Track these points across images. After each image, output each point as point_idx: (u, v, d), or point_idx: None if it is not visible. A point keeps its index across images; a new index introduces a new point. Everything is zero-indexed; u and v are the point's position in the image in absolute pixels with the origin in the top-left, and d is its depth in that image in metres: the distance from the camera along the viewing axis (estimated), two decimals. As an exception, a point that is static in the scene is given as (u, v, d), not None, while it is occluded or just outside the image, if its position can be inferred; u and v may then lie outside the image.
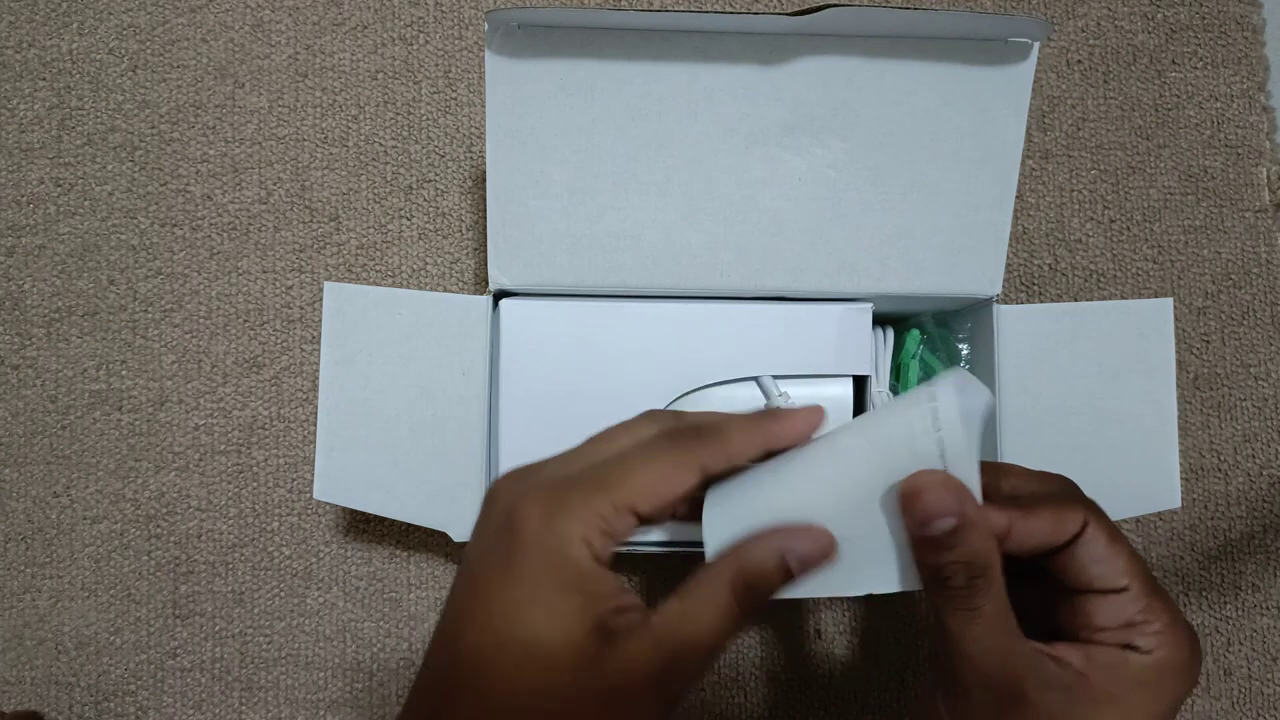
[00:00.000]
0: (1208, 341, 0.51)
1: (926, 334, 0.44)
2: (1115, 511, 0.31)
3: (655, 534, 0.40)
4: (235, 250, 0.51)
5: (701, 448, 0.27)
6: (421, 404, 0.40)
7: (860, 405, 0.42)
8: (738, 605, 0.26)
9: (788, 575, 0.26)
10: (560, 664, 0.24)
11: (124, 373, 0.50)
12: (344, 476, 0.40)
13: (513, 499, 0.26)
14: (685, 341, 0.40)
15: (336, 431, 0.40)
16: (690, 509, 0.28)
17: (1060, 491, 0.30)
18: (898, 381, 0.44)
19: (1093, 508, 0.29)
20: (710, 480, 0.28)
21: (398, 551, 0.49)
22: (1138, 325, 0.40)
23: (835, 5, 0.34)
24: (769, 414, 0.29)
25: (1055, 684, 0.27)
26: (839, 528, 0.27)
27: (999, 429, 0.40)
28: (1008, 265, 0.41)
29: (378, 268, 0.51)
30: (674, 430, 0.27)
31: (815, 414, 0.29)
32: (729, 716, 0.48)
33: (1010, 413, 0.40)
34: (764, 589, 0.26)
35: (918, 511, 0.26)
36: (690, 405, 0.40)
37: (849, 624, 0.49)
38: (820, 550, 0.27)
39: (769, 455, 0.29)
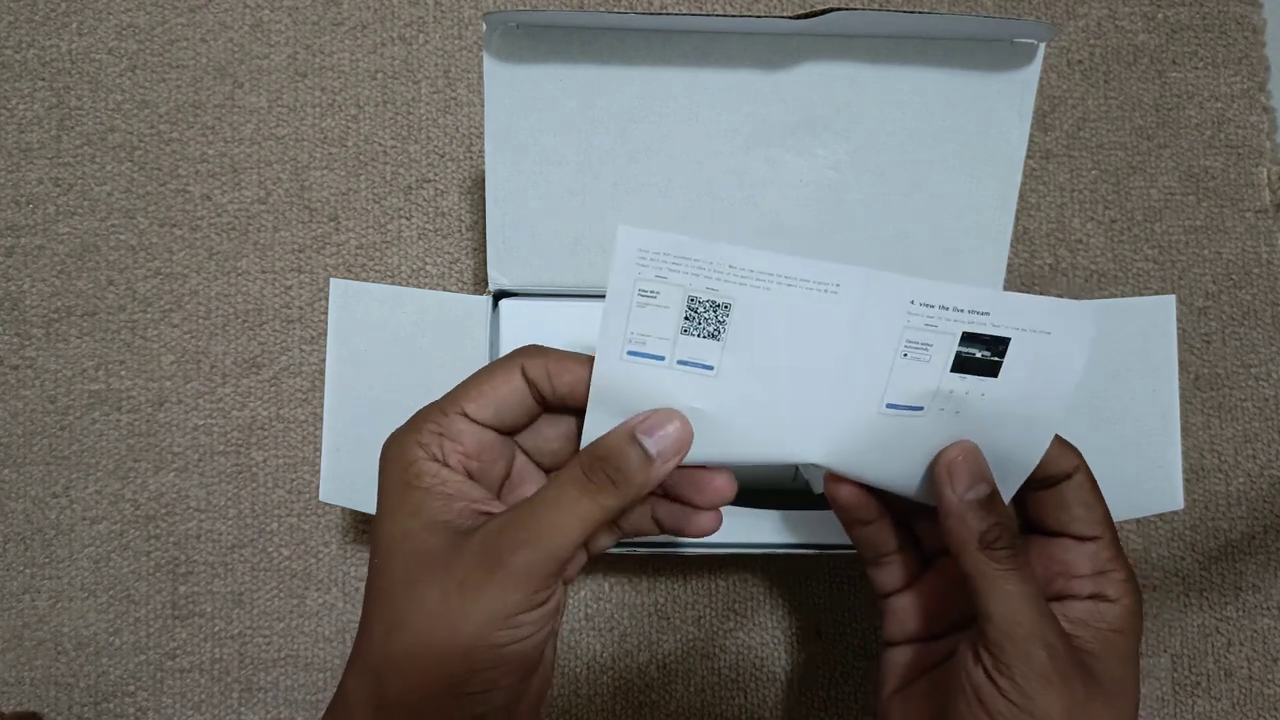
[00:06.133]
0: (1208, 342, 0.51)
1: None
2: (1117, 512, 0.31)
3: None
4: (234, 250, 0.51)
5: (526, 355, 0.28)
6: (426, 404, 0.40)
7: None
8: (591, 480, 0.27)
9: (641, 449, 0.27)
10: (411, 555, 0.26)
11: (123, 373, 0.50)
12: (350, 478, 0.39)
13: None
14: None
15: (342, 432, 0.39)
16: (530, 419, 0.29)
17: None
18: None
19: (1080, 455, 0.31)
20: (534, 383, 0.28)
21: (398, 552, 0.49)
22: (1140, 323, 0.40)
23: (838, 10, 0.34)
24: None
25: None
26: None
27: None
28: (1008, 265, 0.41)
29: (377, 268, 0.51)
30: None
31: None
32: (729, 717, 0.48)
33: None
34: (618, 463, 0.27)
35: (960, 480, 0.29)
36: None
37: (849, 624, 0.49)
38: (664, 418, 0.27)
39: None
